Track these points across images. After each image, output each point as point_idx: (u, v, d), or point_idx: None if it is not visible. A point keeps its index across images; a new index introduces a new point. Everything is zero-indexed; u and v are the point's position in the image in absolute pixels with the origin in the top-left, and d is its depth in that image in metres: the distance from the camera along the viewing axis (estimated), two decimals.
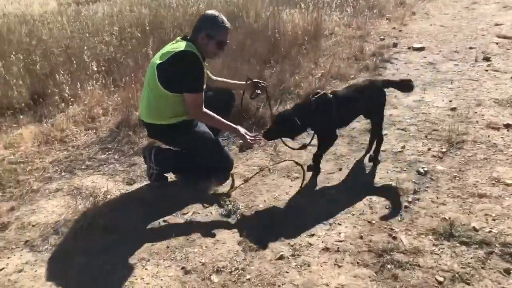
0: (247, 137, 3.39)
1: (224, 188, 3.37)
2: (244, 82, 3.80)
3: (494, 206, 2.96)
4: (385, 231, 2.79)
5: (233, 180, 3.41)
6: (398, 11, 10.50)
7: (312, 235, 2.79)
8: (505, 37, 7.68)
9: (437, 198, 3.11)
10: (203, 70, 3.25)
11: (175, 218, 3.00)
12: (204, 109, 3.30)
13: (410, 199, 3.10)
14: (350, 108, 3.51)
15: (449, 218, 2.85)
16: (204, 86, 3.37)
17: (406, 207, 3.02)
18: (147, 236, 2.82)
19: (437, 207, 3.01)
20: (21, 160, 3.94)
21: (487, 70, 5.96)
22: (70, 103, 5.21)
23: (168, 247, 2.70)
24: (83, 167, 3.83)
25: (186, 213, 3.05)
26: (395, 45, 7.62)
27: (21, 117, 4.93)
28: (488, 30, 8.40)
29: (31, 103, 5.26)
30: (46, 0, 11.25)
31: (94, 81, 5.53)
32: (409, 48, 7.45)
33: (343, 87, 3.71)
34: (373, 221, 2.89)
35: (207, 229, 2.89)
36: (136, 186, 3.48)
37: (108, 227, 2.90)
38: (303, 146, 3.72)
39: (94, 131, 4.64)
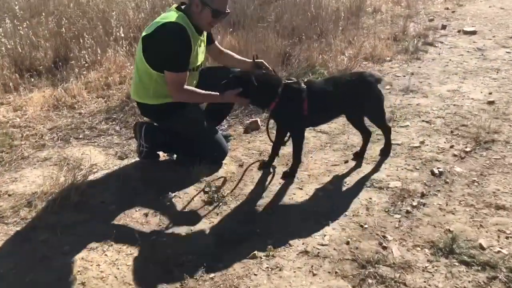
0: (234, 98, 3.00)
1: (214, 174, 3.13)
2: (251, 60, 3.44)
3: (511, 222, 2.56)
4: (376, 238, 2.47)
5: (224, 180, 3.09)
6: None
7: (295, 234, 2.52)
8: None
9: (447, 205, 2.74)
10: (187, 47, 2.91)
11: (153, 201, 2.80)
12: (185, 88, 2.98)
13: (415, 203, 2.75)
14: (327, 104, 3.05)
15: (454, 230, 2.48)
16: (197, 65, 3.12)
17: (408, 212, 2.67)
18: (118, 218, 2.65)
19: (444, 215, 2.64)
20: (23, 124, 3.88)
21: None
22: (90, 69, 5.13)
23: (136, 232, 2.52)
24: (80, 136, 3.71)
25: (167, 197, 2.85)
26: (443, 27, 7.00)
27: (39, 79, 4.89)
28: None
29: (53, 66, 5.21)
30: None
31: (119, 48, 5.39)
32: (459, 31, 6.82)
33: (323, 79, 3.32)
34: (366, 225, 2.57)
35: (184, 216, 2.69)
36: (126, 161, 3.31)
37: (81, 203, 2.76)
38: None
39: (105, 99, 4.52)
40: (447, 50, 5.90)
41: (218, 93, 2.97)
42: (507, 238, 2.43)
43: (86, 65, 5.11)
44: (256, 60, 3.29)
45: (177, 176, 3.09)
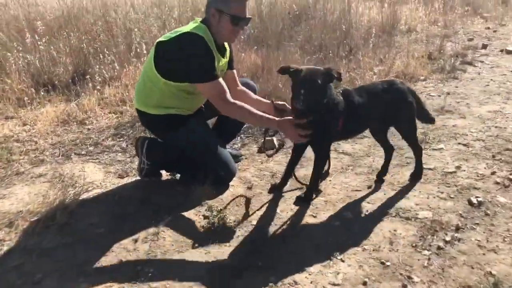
0: (292, 132, 2.56)
1: (218, 197, 2.80)
2: (268, 102, 3.02)
3: None
4: (399, 279, 2.05)
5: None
6: (498, 10, 9.18)
7: (303, 270, 2.14)
8: None
9: (487, 241, 2.30)
10: (210, 53, 2.64)
11: (146, 225, 2.48)
12: (231, 101, 2.64)
13: (448, 238, 2.32)
14: (361, 117, 2.71)
15: (497, 273, 2.05)
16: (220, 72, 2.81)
17: (439, 248, 2.25)
18: (104, 243, 2.34)
19: (484, 254, 2.20)
20: (27, 139, 3.69)
21: None
22: (108, 84, 4.97)
23: (121, 262, 2.20)
24: (82, 152, 3.47)
25: (162, 220, 2.53)
26: (484, 46, 6.56)
27: (55, 94, 4.76)
28: None
29: (70, 81, 5.08)
30: None
31: (140, 64, 5.24)
32: (501, 50, 6.37)
33: (354, 88, 2.83)
34: (388, 263, 2.16)
35: (178, 243, 2.36)
36: (126, 180, 3.03)
37: (67, 225, 2.47)
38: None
39: (118, 115, 4.31)
40: (488, 70, 5.45)
41: (275, 118, 2.65)
42: None
43: (103, 80, 4.96)
44: (276, 103, 2.95)
45: (177, 198, 2.77)
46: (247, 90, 3.09)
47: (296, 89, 2.43)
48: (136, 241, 2.36)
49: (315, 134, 2.55)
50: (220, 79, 2.67)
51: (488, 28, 7.87)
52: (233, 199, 2.78)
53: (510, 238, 2.31)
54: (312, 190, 2.74)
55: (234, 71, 3.07)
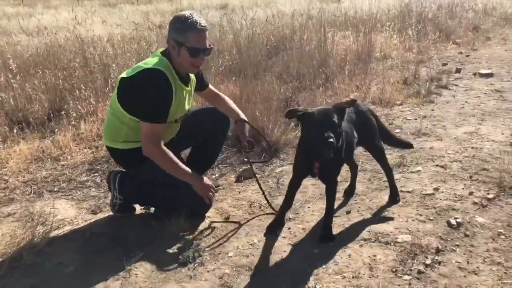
0: (204, 194, 2.72)
1: (194, 229, 2.71)
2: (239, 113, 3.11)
3: None
4: None
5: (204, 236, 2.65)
6: (469, 35, 9.44)
7: None
8: None
9: (468, 263, 2.25)
10: (167, 97, 2.60)
11: (118, 262, 2.38)
12: (161, 147, 2.61)
13: (428, 261, 2.27)
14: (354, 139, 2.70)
15: None
16: (180, 117, 2.82)
17: (420, 272, 2.19)
18: (72, 284, 2.23)
19: (465, 276, 2.15)
20: None
21: None
22: (84, 120, 4.91)
23: None
24: (55, 189, 3.38)
25: (135, 256, 2.43)
26: (458, 70, 6.69)
27: (29, 131, 4.67)
28: None
29: (46, 118, 5.00)
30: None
31: None
32: (474, 74, 6.49)
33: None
34: None
35: (150, 279, 2.26)
36: (99, 216, 2.94)
37: (34, 265, 2.36)
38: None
39: (93, 150, 4.23)
40: (463, 93, 5.53)
41: (196, 177, 2.71)
42: None
43: (79, 116, 4.90)
44: (242, 118, 3.06)
45: (151, 232, 2.68)
46: (226, 98, 3.15)
47: (316, 134, 2.26)
48: (107, 279, 2.26)
49: (330, 169, 2.52)
50: (163, 125, 2.62)
51: (461, 53, 8.06)
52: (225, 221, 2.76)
53: (490, 259, 2.27)
54: (329, 222, 2.59)
55: (210, 86, 3.12)
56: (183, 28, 2.58)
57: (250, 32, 7.46)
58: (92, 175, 3.65)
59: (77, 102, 5.08)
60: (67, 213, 2.98)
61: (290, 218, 2.80)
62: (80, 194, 3.29)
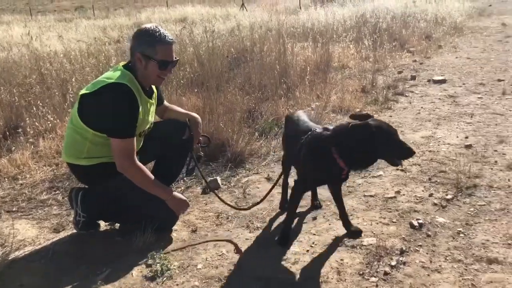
0: (178, 210, 2.78)
1: (161, 243, 2.68)
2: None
3: (508, 278, 2.15)
4: None
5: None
6: (422, 44, 9.82)
7: None
8: None
9: (431, 262, 2.33)
10: (134, 110, 2.57)
11: (83, 281, 2.32)
12: (136, 162, 2.59)
13: (393, 263, 2.33)
14: None
15: None
16: (144, 129, 2.79)
17: (386, 273, 2.25)
18: None
19: (429, 275, 2.22)
20: None
21: None
22: (42, 137, 4.77)
23: None
24: (14, 209, 3.26)
25: (101, 274, 2.38)
26: (413, 77, 6.95)
27: None
28: None
29: (1, 136, 4.83)
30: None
31: None
32: (428, 80, 6.76)
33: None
34: None
35: None
36: (62, 234, 2.86)
37: None
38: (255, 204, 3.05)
39: (53, 167, 4.12)
40: (418, 99, 5.74)
41: (170, 192, 2.72)
42: None
43: (37, 133, 4.76)
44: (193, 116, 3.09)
45: (117, 248, 2.63)
46: (174, 106, 3.20)
47: (396, 142, 2.33)
48: None
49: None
50: (133, 139, 2.60)
51: (415, 61, 8.37)
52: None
53: (451, 257, 2.36)
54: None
55: (165, 102, 3.13)
56: (151, 41, 2.58)
57: (210, 44, 7.49)
58: (53, 193, 3.54)
59: (35, 119, 4.93)
60: (28, 233, 2.88)
61: (258, 227, 2.81)
62: (41, 213, 3.18)
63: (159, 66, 2.63)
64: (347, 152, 2.34)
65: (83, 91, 2.64)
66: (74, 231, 2.87)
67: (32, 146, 4.52)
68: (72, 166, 2.75)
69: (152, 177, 2.67)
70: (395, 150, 2.32)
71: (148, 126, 2.84)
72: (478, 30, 12.57)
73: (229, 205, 3.01)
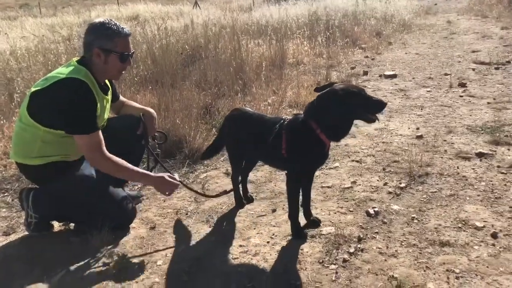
0: (170, 191, 2.67)
1: (118, 241, 2.62)
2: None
3: (459, 259, 2.25)
4: None
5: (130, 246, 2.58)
6: (373, 41, 10.09)
7: None
8: (482, 63, 7.21)
9: (387, 247, 2.40)
10: (93, 103, 2.49)
11: (37, 284, 2.23)
12: (106, 154, 2.51)
13: (352, 250, 2.39)
14: None
15: (399, 276, 2.13)
16: (103, 120, 2.70)
17: (345, 261, 2.30)
18: None
19: (386, 260, 2.29)
20: None
21: (462, 96, 5.40)
22: None
23: None
24: None
25: (55, 275, 2.29)
26: (365, 73, 7.12)
27: None
28: (465, 57, 7.97)
29: None
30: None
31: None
32: (380, 75, 6.94)
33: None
34: (298, 283, 2.15)
35: None
36: (12, 237, 2.73)
37: None
38: (224, 192, 3.05)
39: (2, 169, 3.93)
40: (371, 93, 5.87)
41: (150, 174, 2.62)
42: (457, 278, 2.10)
43: None
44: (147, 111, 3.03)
45: (73, 249, 2.55)
46: (131, 102, 3.14)
47: (366, 100, 2.36)
48: None
49: None
50: (99, 131, 2.53)
51: (367, 57, 8.58)
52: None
53: (406, 242, 2.43)
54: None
55: (120, 97, 3.06)
56: (110, 35, 2.53)
57: (164, 42, 7.37)
58: (2, 195, 3.39)
59: None
60: None
61: (217, 222, 2.80)
62: None
63: (121, 59, 2.59)
64: (325, 123, 2.35)
65: (34, 88, 2.52)
66: (26, 233, 2.75)
67: None
68: (22, 166, 2.62)
69: (128, 164, 2.57)
70: (367, 106, 2.35)
71: (102, 124, 2.75)
72: (425, 27, 13.03)
73: (198, 192, 3.01)
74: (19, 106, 5.04)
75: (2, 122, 4.66)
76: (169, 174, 2.67)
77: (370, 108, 2.36)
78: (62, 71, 2.52)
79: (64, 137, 2.52)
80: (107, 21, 2.56)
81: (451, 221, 2.60)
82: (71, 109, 2.44)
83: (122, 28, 2.59)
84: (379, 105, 2.37)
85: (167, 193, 2.67)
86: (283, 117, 2.58)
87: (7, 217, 3.03)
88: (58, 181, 2.58)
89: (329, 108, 2.29)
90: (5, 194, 3.40)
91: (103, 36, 2.54)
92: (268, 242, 2.53)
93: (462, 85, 5.89)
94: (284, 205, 2.95)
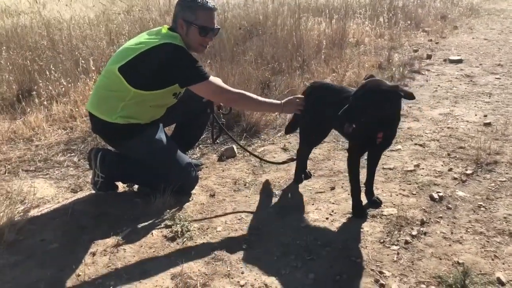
0: (294, 107, 2.80)
1: (180, 206, 2.68)
2: None
3: None
4: (371, 274, 2.02)
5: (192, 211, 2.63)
6: (438, 24, 9.65)
7: (271, 272, 2.06)
8: None
9: (452, 233, 2.32)
10: (193, 58, 2.59)
11: (103, 238, 2.33)
12: (234, 90, 2.74)
13: (414, 232, 2.33)
14: None
15: (464, 262, 2.06)
16: (178, 91, 2.76)
17: (407, 242, 2.25)
18: (58, 259, 2.18)
19: (450, 245, 2.22)
20: None
21: None
22: (55, 101, 4.74)
23: (78, 276, 2.05)
24: (31, 168, 3.27)
25: (121, 232, 2.39)
26: (429, 56, 6.83)
27: None
28: None
29: (15, 100, 4.82)
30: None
31: (88, 80, 5.04)
32: (444, 60, 6.65)
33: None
34: (358, 260, 2.13)
35: (139, 254, 2.22)
36: (80, 195, 2.87)
37: (16, 243, 2.29)
38: (290, 159, 3.08)
39: (68, 130, 4.11)
40: (435, 77, 5.66)
41: (278, 102, 2.80)
42: None
43: (50, 97, 4.73)
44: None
45: (136, 209, 2.64)
46: None
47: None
48: (94, 254, 2.21)
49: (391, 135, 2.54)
50: (213, 77, 2.68)
51: (431, 40, 8.23)
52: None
53: (473, 229, 2.34)
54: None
55: None
56: (192, 6, 2.59)
57: (221, 17, 7.38)
58: (69, 155, 3.54)
59: (48, 83, 4.90)
60: (46, 192, 2.89)
61: (276, 194, 2.81)
62: (58, 173, 3.19)
63: (200, 32, 2.63)
64: None
65: (131, 52, 2.57)
66: (92, 192, 2.88)
67: (46, 110, 4.51)
68: (99, 121, 2.66)
69: (257, 96, 2.81)
70: None
71: (180, 91, 2.79)
72: (495, 12, 12.32)
73: (263, 159, 3.17)
74: (84, 73, 5.23)
75: (69, 85, 4.83)
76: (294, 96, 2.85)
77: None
78: (156, 36, 2.61)
79: (149, 100, 2.62)
80: None
81: None
82: (183, 63, 2.56)
83: (207, 1, 2.63)
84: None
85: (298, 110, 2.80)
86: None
87: (74, 175, 3.17)
88: (128, 142, 2.66)
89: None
90: (72, 154, 3.55)
91: (187, 8, 2.62)
92: (327, 218, 2.51)
93: None
94: (343, 183, 2.92)
